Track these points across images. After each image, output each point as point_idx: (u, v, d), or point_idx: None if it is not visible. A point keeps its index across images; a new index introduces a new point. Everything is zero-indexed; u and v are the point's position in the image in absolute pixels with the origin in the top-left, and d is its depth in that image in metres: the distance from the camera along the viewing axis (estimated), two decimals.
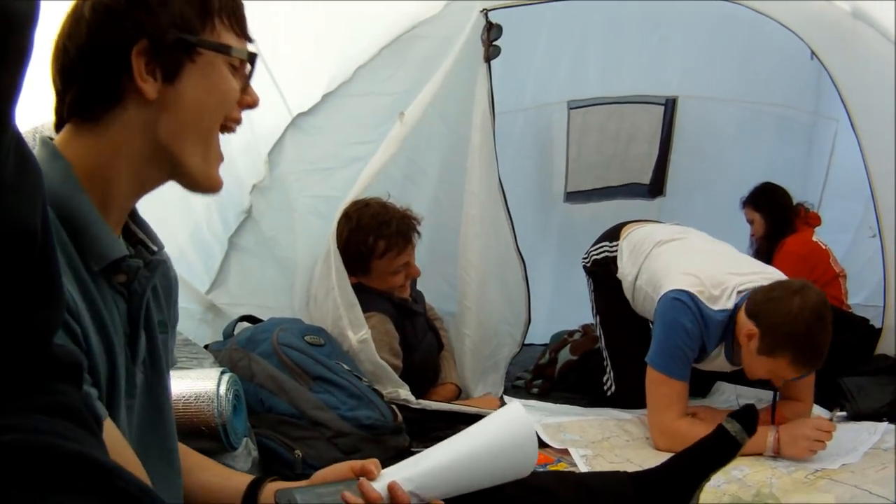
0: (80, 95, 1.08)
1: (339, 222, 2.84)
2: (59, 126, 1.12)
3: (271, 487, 1.34)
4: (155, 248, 1.19)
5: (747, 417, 1.90)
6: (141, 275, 1.12)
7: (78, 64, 1.08)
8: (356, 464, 1.32)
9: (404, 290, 2.97)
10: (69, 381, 0.69)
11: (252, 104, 1.19)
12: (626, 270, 3.03)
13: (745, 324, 2.45)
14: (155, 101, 1.08)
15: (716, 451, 1.88)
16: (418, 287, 3.19)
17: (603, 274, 3.18)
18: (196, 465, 1.39)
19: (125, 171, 1.10)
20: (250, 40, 1.19)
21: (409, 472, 1.27)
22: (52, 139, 1.10)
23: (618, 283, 3.07)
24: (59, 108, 1.12)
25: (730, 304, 2.55)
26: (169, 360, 1.27)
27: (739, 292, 2.55)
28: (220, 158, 1.17)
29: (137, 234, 1.19)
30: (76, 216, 1.03)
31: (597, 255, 3.24)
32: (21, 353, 0.62)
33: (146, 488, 0.63)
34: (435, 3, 3.20)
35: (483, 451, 1.32)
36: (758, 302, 2.44)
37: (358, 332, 2.70)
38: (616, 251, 3.13)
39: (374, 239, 2.83)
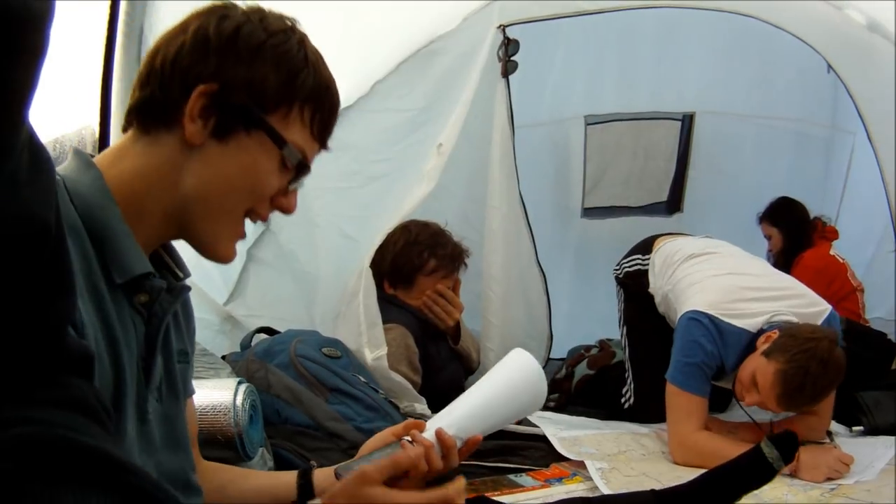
0: (145, 99, 1.07)
1: (395, 232, 2.92)
2: (125, 128, 1.10)
3: (320, 472, 1.39)
4: (181, 275, 1.16)
5: (787, 445, 1.80)
6: (163, 297, 1.08)
7: (158, 71, 1.06)
8: (397, 427, 1.36)
9: None
10: (81, 374, 0.69)
11: (285, 209, 1.15)
12: (657, 284, 3.03)
13: (760, 361, 2.44)
14: (197, 147, 1.05)
15: (749, 475, 1.81)
16: None
17: (635, 287, 3.17)
18: (237, 476, 1.42)
19: (158, 197, 1.06)
20: (325, 147, 1.17)
21: (447, 420, 1.38)
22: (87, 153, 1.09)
23: (649, 297, 3.08)
24: (128, 108, 1.10)
25: (749, 325, 2.55)
26: (187, 390, 1.25)
27: (772, 320, 2.55)
28: (238, 236, 1.13)
29: (166, 260, 1.16)
30: (104, 226, 1.00)
31: (629, 267, 3.23)
32: (35, 345, 0.63)
33: (160, 484, 0.63)
34: (452, 19, 3.23)
35: (503, 390, 1.46)
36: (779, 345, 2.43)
37: (374, 350, 2.72)
38: (648, 264, 3.12)
39: (427, 255, 2.92)
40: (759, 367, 2.42)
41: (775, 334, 2.45)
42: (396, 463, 1.21)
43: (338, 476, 1.27)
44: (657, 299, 3.03)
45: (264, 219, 1.14)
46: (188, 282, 1.19)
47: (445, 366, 3.00)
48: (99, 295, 0.98)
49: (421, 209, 3.06)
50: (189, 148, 1.05)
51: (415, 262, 2.91)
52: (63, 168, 1.04)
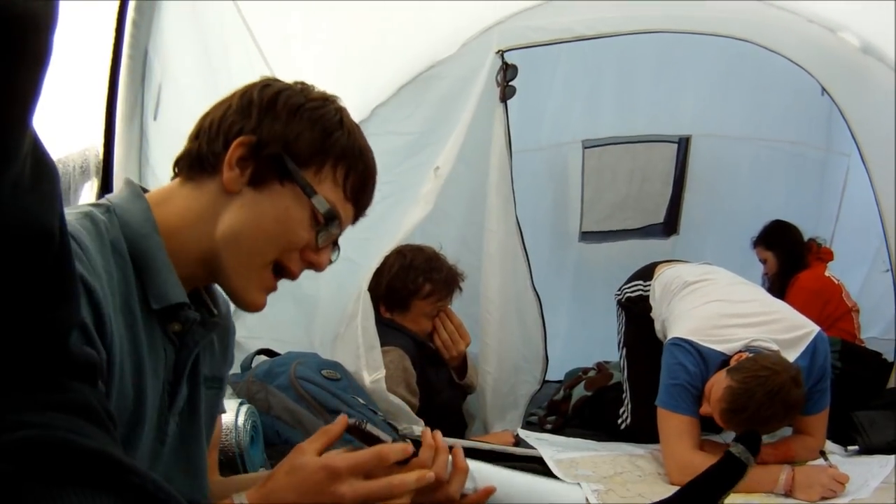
0: (192, 151, 1.16)
1: (390, 257, 2.94)
2: (175, 173, 1.19)
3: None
4: (216, 311, 1.22)
5: (750, 439, 1.92)
6: (195, 329, 1.14)
7: (206, 129, 1.16)
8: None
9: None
10: (85, 379, 0.70)
11: (315, 265, 1.19)
12: (657, 311, 3.09)
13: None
14: (235, 193, 1.13)
15: (723, 474, 1.90)
16: None
17: (638, 311, 3.22)
18: (224, 481, 1.45)
19: (197, 238, 1.13)
20: (361, 211, 1.23)
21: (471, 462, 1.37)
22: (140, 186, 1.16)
23: (649, 320, 3.13)
24: (176, 158, 1.19)
25: (727, 350, 2.62)
26: (217, 411, 1.32)
27: (752, 346, 2.61)
28: (267, 287, 1.18)
29: (204, 298, 1.22)
30: (147, 254, 1.07)
31: (631, 293, 3.28)
32: (38, 350, 0.64)
33: (162, 485, 0.64)
34: (452, 44, 3.27)
35: (535, 491, 1.43)
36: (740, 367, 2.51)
37: (372, 373, 2.73)
38: (649, 290, 3.17)
39: (423, 280, 2.94)
40: (716, 380, 2.51)
41: (745, 356, 2.52)
42: (390, 448, 1.19)
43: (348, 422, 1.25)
44: (657, 325, 3.08)
45: (295, 275, 1.19)
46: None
47: (443, 389, 3.01)
48: (132, 316, 1.04)
49: (419, 232, 3.09)
50: (228, 194, 1.13)
51: (410, 287, 2.93)
52: (115, 196, 1.12)
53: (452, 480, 1.32)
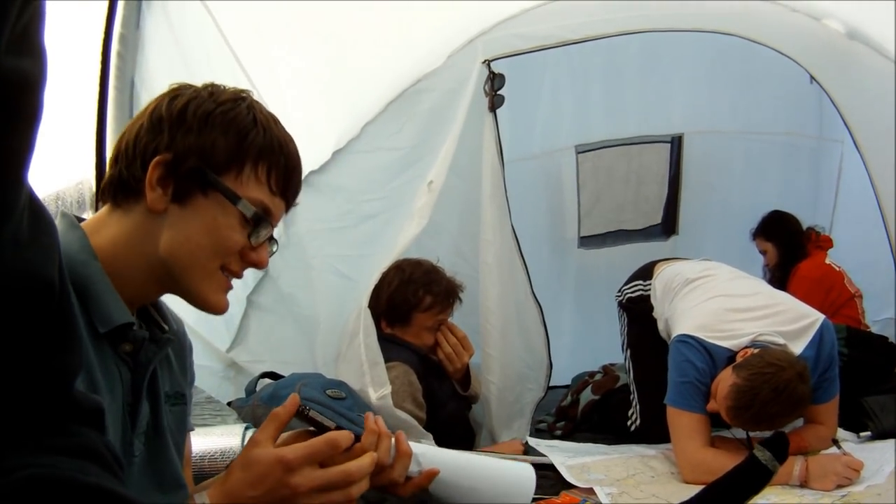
0: (114, 177, 1.16)
1: (389, 272, 2.95)
2: (98, 202, 1.20)
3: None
4: (166, 328, 1.23)
5: (778, 445, 1.86)
6: (147, 347, 1.15)
7: (123, 153, 1.15)
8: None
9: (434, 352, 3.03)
10: (90, 424, 0.70)
11: (256, 264, 1.21)
12: (659, 310, 3.09)
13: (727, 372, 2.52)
14: (161, 213, 1.13)
15: (748, 481, 1.85)
16: None
17: (639, 311, 3.22)
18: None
19: (136, 261, 1.14)
20: (291, 203, 1.23)
21: (417, 445, 1.37)
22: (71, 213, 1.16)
23: (652, 320, 3.13)
24: (102, 186, 1.19)
25: (734, 345, 2.62)
26: (185, 427, 1.31)
27: (757, 340, 2.61)
28: (223, 288, 1.20)
29: (153, 315, 1.23)
30: (87, 281, 1.08)
31: (631, 293, 3.29)
32: (42, 397, 0.65)
33: None
34: (438, 57, 3.27)
35: (484, 471, 1.45)
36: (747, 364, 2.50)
37: (378, 389, 2.73)
38: (650, 289, 3.17)
39: (423, 293, 2.94)
40: (723, 377, 2.51)
41: (750, 352, 2.52)
42: (340, 435, 1.19)
43: (301, 411, 1.24)
44: (660, 325, 3.07)
45: (238, 275, 1.20)
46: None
47: (448, 401, 3.00)
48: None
49: (415, 246, 3.08)
50: (155, 215, 1.13)
51: (410, 301, 2.93)
52: None
53: (396, 464, 1.31)
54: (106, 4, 2.44)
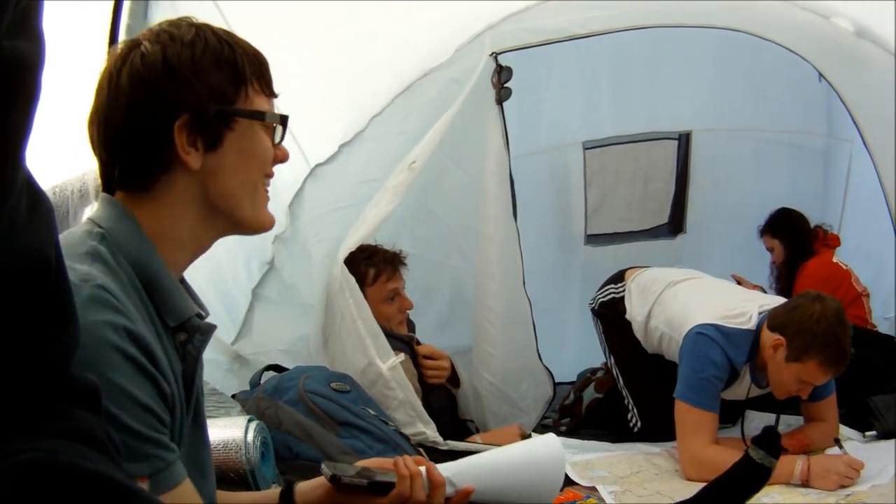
0: (127, 169, 1.13)
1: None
2: (106, 191, 1.16)
3: (303, 484, 1.43)
4: (204, 314, 1.22)
5: (770, 441, 1.87)
6: (196, 337, 1.16)
7: (122, 139, 1.11)
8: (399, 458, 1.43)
9: (402, 325, 3.06)
10: (87, 407, 0.70)
11: (283, 159, 1.24)
12: (635, 311, 3.10)
13: (770, 337, 2.52)
14: (200, 169, 1.12)
15: (746, 481, 1.85)
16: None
17: (612, 315, 3.23)
18: (225, 498, 1.43)
19: (185, 234, 1.15)
20: (275, 95, 1.23)
21: (450, 465, 1.42)
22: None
23: (627, 323, 3.13)
24: (106, 177, 1.15)
25: (752, 325, 2.62)
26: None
27: (760, 313, 2.63)
28: (267, 199, 1.23)
29: (195, 297, 1.22)
30: (155, 278, 1.10)
31: (603, 297, 3.31)
32: (39, 379, 0.64)
33: None
34: (445, 51, 3.26)
35: (511, 462, 1.48)
36: (779, 315, 2.54)
37: (387, 359, 2.75)
38: (623, 292, 3.18)
39: (364, 267, 2.96)
40: (766, 342, 2.55)
41: (781, 341, 2.49)
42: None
43: (323, 472, 1.33)
44: (634, 326, 3.09)
45: (272, 175, 1.23)
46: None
47: (434, 387, 3.03)
48: (160, 338, 1.08)
49: (407, 234, 3.13)
50: (194, 174, 1.13)
51: (357, 279, 2.93)
52: (101, 217, 1.11)
53: (433, 495, 1.36)
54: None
